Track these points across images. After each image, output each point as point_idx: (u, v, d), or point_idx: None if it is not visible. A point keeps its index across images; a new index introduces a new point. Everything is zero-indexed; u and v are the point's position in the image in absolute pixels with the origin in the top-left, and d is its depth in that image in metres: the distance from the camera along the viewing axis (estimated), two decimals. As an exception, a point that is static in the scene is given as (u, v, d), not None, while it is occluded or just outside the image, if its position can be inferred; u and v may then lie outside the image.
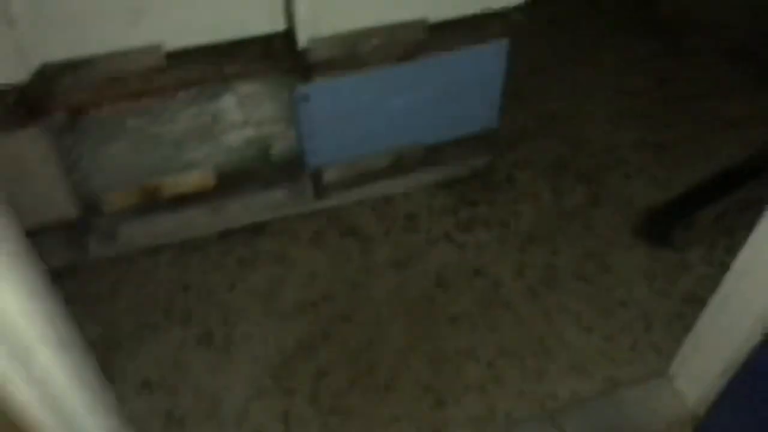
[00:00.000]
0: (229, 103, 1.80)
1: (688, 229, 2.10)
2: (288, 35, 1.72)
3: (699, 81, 2.63)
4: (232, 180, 1.98)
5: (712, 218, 2.13)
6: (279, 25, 1.70)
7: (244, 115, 1.84)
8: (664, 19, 2.88)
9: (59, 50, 1.54)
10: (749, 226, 1.51)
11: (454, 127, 2.09)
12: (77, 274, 2.00)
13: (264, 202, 2.07)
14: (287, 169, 2.02)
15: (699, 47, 2.78)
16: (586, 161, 2.39)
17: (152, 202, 1.94)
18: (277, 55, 1.72)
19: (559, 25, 2.88)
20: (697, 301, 2.04)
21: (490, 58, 1.85)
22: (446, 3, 1.74)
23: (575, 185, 2.32)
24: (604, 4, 2.97)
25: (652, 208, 2.23)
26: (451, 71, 1.87)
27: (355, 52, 1.74)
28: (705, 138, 2.45)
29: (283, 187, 2.06)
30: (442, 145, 2.16)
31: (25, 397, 0.79)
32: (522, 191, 2.31)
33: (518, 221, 2.24)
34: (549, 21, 2.90)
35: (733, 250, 2.17)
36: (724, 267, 2.10)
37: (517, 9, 1.80)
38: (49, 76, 1.55)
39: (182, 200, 1.98)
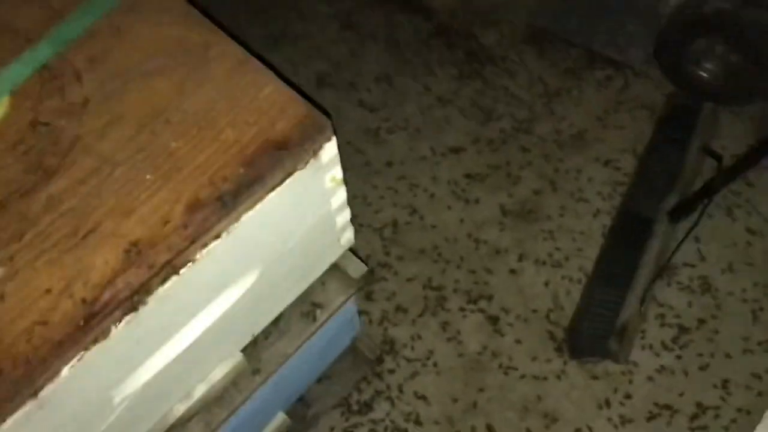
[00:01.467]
0: None
1: (622, 333, 1.71)
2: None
3: (521, 98, 2.16)
4: None
5: (638, 308, 1.76)
6: None
7: None
8: (449, 28, 2.33)
9: None
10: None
11: (317, 372, 1.50)
12: None
13: None
14: None
15: (500, 45, 2.28)
16: (462, 274, 1.90)
17: None
18: None
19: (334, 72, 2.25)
20: (665, 410, 1.71)
21: (340, 327, 1.26)
22: (255, 319, 1.10)
23: (466, 315, 1.84)
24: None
25: (570, 324, 1.81)
26: (301, 364, 1.26)
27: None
28: (566, 174, 2.03)
29: None
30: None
31: None
32: (410, 357, 1.80)
33: (428, 408, 1.74)
34: (318, 80, 2.26)
35: (670, 320, 1.85)
36: (671, 350, 1.79)
37: (350, 254, 1.19)
38: None
39: None
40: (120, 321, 0.82)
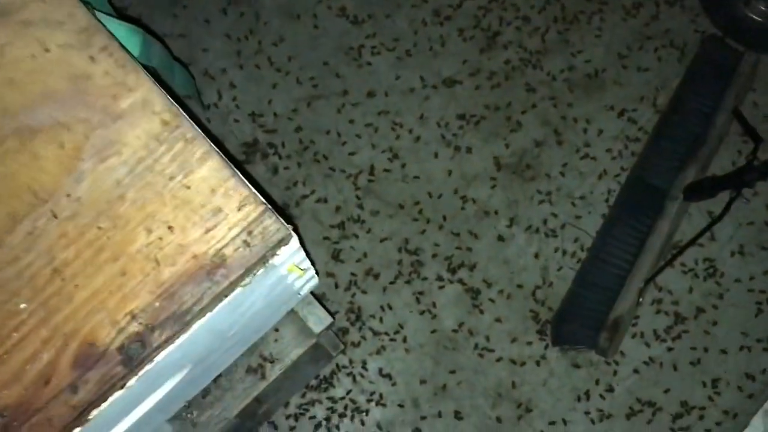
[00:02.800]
0: None
1: (614, 328, 1.55)
2: None
3: (533, 21, 1.84)
4: None
5: (636, 299, 1.58)
6: None
7: None
8: None
9: None
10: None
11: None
12: None
13: None
14: None
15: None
16: (444, 237, 1.69)
17: None
18: None
19: None
20: (648, 407, 1.59)
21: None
22: (187, 393, 0.89)
23: (444, 286, 1.66)
24: None
25: (558, 309, 1.63)
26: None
27: None
28: (573, 123, 1.76)
29: None
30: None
31: None
32: (378, 330, 1.64)
33: (392, 388, 1.60)
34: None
35: (666, 307, 1.64)
36: (663, 341, 1.62)
37: (312, 301, 0.97)
38: None
39: None
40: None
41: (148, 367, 0.63)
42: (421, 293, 1.65)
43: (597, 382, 1.61)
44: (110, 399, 0.62)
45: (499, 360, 1.62)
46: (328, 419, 1.58)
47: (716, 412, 1.60)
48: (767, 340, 1.64)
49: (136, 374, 0.62)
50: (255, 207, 0.63)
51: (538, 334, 1.64)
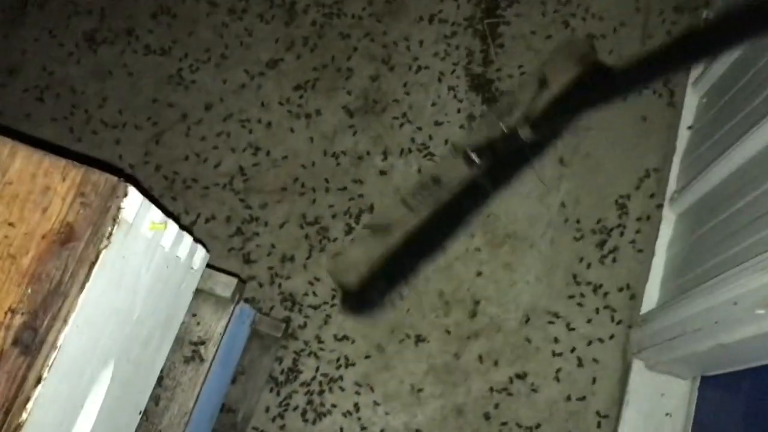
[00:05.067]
0: None
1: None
2: None
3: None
4: None
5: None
6: None
7: None
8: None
9: None
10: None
11: (228, 380, 1.36)
12: None
13: None
14: None
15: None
16: (334, 196, 1.74)
17: None
18: None
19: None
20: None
21: (232, 337, 1.10)
22: (134, 399, 0.92)
23: (355, 237, 1.71)
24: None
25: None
26: (207, 397, 1.10)
27: None
28: (395, 47, 1.85)
29: None
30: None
31: None
32: (316, 304, 1.68)
33: (353, 346, 1.65)
34: (87, 40, 1.91)
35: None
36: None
37: (210, 272, 1.01)
38: None
39: None
40: None
41: (53, 354, 0.66)
42: (338, 254, 1.71)
43: (515, 251, 1.70)
44: (33, 396, 0.65)
45: (434, 271, 1.69)
46: (310, 402, 1.61)
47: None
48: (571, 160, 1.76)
49: (44, 364, 0.65)
50: (77, 171, 0.68)
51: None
